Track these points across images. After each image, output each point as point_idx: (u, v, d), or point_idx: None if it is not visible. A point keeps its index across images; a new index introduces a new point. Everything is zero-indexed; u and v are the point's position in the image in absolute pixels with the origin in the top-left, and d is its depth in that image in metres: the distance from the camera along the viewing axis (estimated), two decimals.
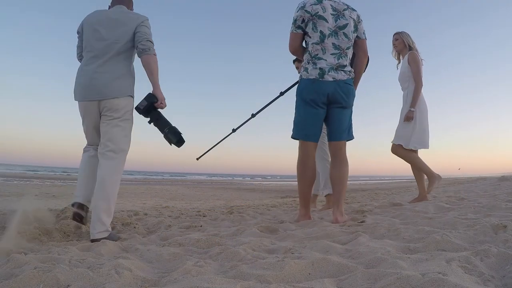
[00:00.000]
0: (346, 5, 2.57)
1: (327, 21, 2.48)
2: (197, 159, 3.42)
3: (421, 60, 3.53)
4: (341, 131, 2.55)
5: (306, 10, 2.48)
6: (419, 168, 3.50)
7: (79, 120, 2.40)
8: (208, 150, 3.46)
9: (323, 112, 2.53)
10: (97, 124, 2.31)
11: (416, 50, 3.54)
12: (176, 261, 1.47)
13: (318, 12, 2.47)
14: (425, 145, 3.49)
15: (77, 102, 2.36)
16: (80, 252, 1.69)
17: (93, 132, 2.36)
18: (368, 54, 2.71)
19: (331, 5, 2.51)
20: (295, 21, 2.52)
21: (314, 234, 1.96)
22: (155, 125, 2.38)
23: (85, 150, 2.44)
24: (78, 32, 2.46)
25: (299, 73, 2.70)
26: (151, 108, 2.34)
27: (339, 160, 2.57)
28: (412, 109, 3.40)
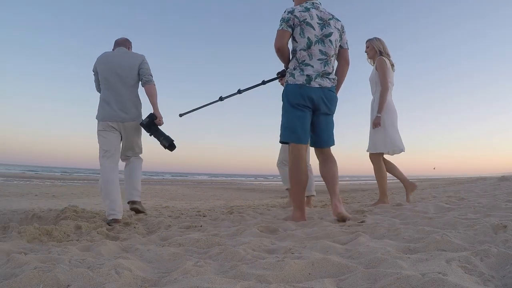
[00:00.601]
0: (331, 15, 2.65)
1: (314, 29, 2.55)
2: (180, 115, 3.61)
3: (392, 65, 3.54)
4: (329, 138, 2.71)
5: (295, 15, 2.54)
6: (380, 180, 3.57)
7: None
8: (193, 110, 3.62)
9: (310, 115, 2.62)
10: (118, 139, 3.13)
11: (388, 55, 3.55)
12: (176, 261, 1.47)
13: (306, 19, 2.54)
14: (397, 149, 3.47)
15: (95, 121, 3.14)
16: (80, 252, 1.69)
17: (116, 144, 3.12)
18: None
19: (316, 14, 2.58)
20: (287, 20, 2.56)
21: (314, 234, 1.96)
22: (154, 136, 3.15)
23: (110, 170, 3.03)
24: (93, 71, 3.22)
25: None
26: (151, 123, 3.12)
27: (330, 161, 2.69)
28: (378, 115, 3.41)
